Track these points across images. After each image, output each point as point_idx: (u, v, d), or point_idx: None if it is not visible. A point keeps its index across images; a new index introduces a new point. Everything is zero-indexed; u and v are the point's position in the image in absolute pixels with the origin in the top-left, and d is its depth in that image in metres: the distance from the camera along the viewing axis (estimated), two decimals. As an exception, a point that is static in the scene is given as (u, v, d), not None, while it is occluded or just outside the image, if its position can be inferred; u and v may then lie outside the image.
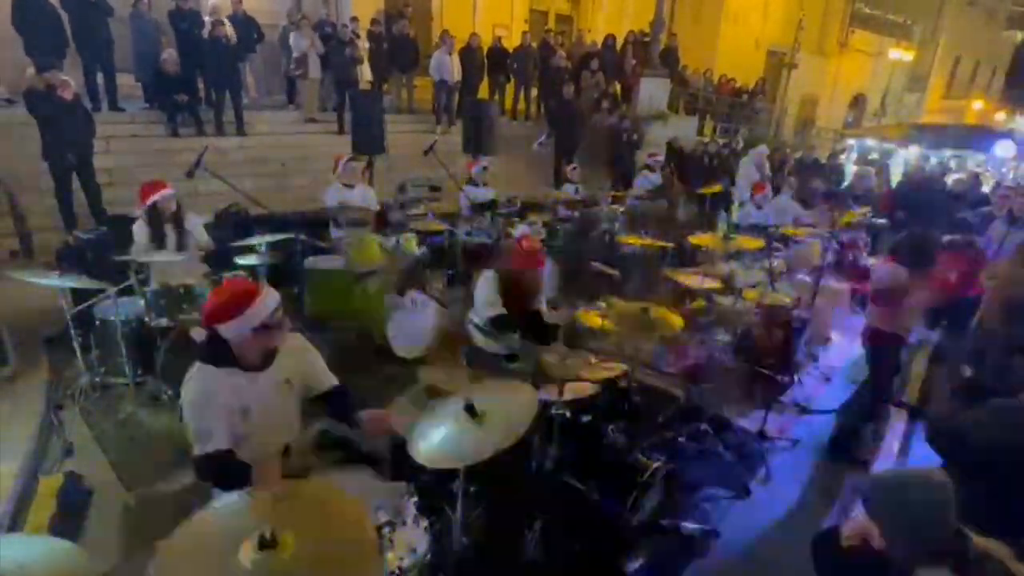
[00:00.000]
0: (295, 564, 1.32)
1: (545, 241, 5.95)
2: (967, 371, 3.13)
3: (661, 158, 8.37)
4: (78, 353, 3.58)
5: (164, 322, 3.46)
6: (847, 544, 1.64)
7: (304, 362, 2.21)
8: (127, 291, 3.59)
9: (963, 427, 2.08)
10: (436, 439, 1.91)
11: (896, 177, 10.33)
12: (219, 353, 1.98)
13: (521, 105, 10.96)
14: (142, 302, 3.50)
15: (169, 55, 7.06)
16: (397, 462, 2.27)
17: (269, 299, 1.98)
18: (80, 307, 3.56)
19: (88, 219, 5.62)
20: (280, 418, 2.12)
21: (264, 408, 2.03)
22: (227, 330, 1.94)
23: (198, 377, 1.96)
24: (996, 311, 3.22)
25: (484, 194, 5.84)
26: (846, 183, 9.50)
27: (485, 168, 6.01)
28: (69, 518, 2.66)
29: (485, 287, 3.18)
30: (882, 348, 3.53)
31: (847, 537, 1.64)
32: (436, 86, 9.52)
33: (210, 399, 1.92)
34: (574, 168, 7.19)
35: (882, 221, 6.58)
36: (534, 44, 10.65)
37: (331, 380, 2.27)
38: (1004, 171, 10.99)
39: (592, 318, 3.30)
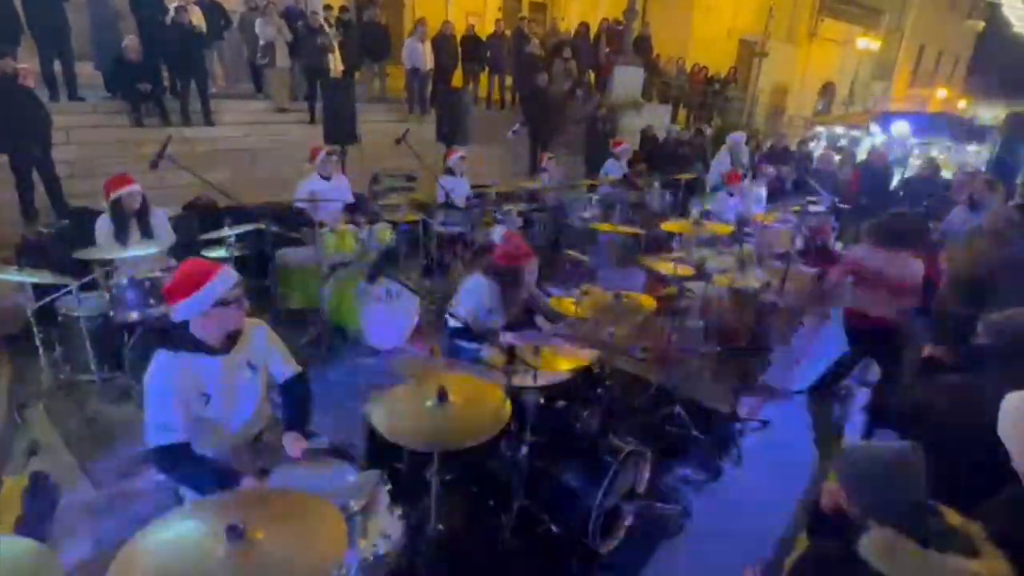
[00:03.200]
0: (264, 556, 1.33)
1: (520, 230, 5.97)
2: (928, 350, 3.23)
3: (627, 146, 8.37)
4: (41, 350, 3.49)
5: (130, 316, 3.39)
6: (826, 509, 1.69)
7: (267, 347, 2.22)
8: (90, 286, 3.50)
9: (918, 404, 2.16)
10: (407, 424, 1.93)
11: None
12: (179, 337, 1.98)
13: (495, 93, 10.90)
14: (107, 296, 3.42)
15: (130, 42, 6.81)
16: (371, 451, 2.28)
17: (227, 275, 1.99)
18: (42, 303, 3.46)
19: (48, 212, 5.44)
20: (243, 403, 2.12)
21: (226, 393, 2.04)
22: (186, 307, 1.95)
23: (159, 363, 1.96)
24: (953, 292, 3.34)
25: (459, 185, 5.81)
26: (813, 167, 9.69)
27: (462, 158, 5.98)
28: (36, 518, 2.60)
29: (481, 294, 3.05)
30: (859, 330, 3.68)
31: (824, 504, 1.71)
32: (408, 74, 9.40)
33: (171, 386, 1.92)
34: (551, 158, 7.19)
35: (846, 206, 6.75)
36: (508, 32, 10.58)
37: (293, 368, 2.30)
38: (966, 156, 11.32)
39: (566, 305, 3.33)
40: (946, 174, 8.01)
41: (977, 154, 11.25)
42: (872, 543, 1.47)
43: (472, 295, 3.06)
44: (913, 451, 1.56)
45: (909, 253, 3.52)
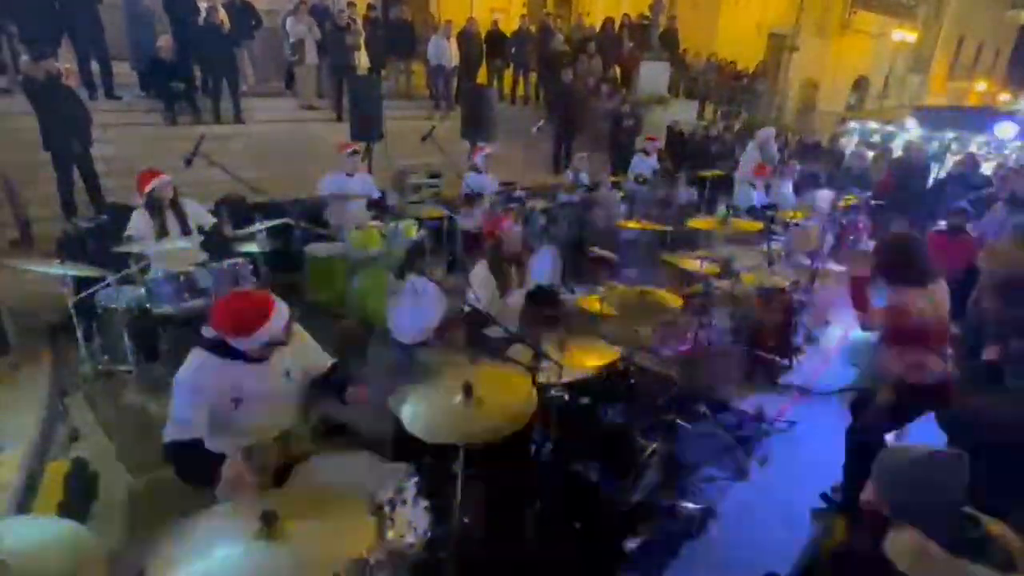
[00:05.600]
0: (296, 546, 1.36)
1: (545, 227, 5.97)
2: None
3: (659, 142, 8.33)
4: (81, 341, 3.61)
5: (166, 309, 3.48)
6: (864, 507, 1.65)
7: (301, 350, 2.23)
8: (128, 279, 3.61)
9: (976, 410, 2.07)
10: (431, 413, 1.96)
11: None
12: (219, 344, 2.00)
13: (520, 90, 10.88)
14: (143, 290, 3.52)
15: (164, 42, 7.00)
16: (398, 444, 2.31)
17: (280, 319, 1.99)
18: (81, 295, 3.57)
19: (87, 207, 5.62)
20: (274, 409, 2.13)
21: (258, 399, 2.06)
22: (235, 343, 1.97)
23: (195, 362, 1.99)
24: (992, 292, 3.23)
25: (485, 182, 5.82)
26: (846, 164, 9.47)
27: (488, 155, 5.99)
28: (77, 503, 2.70)
29: (486, 278, 3.18)
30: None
31: (863, 502, 1.67)
32: (433, 71, 9.45)
33: (202, 385, 1.95)
34: (582, 157, 7.17)
35: (880, 203, 6.58)
36: (532, 28, 10.54)
37: (326, 360, 2.32)
38: (1006, 152, 10.90)
39: (591, 302, 3.32)
40: (985, 170, 7.73)
41: (1021, 149, 10.81)
42: (897, 542, 1.44)
43: (480, 283, 3.15)
44: (957, 458, 1.49)
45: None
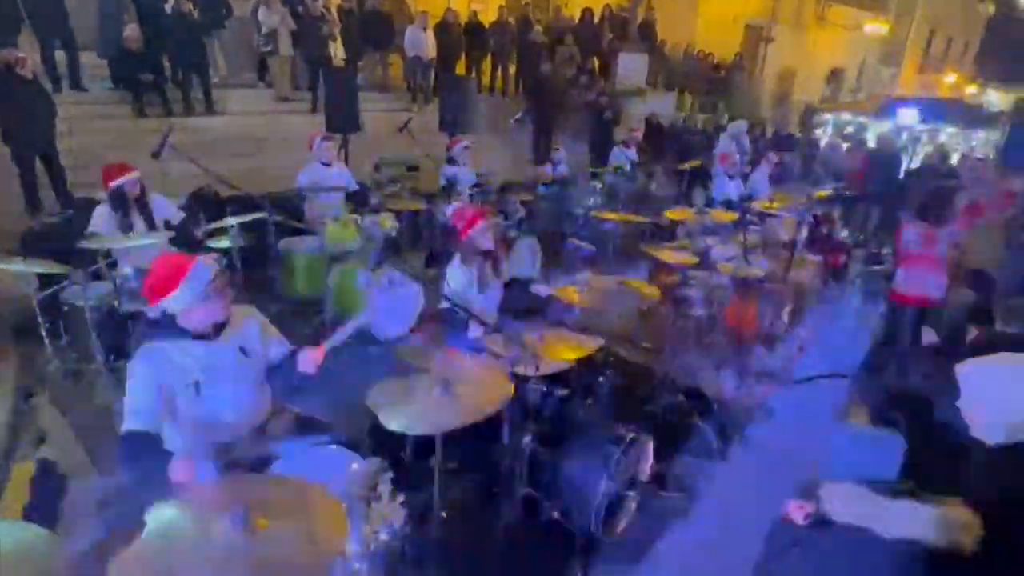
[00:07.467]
0: (267, 543, 1.34)
1: (524, 219, 5.96)
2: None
3: (639, 134, 8.36)
4: (47, 340, 3.51)
5: (134, 306, 3.40)
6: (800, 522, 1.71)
7: (256, 330, 2.21)
8: (95, 276, 3.51)
9: (923, 393, 2.15)
10: (409, 408, 1.94)
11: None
12: (167, 326, 1.97)
13: (499, 81, 10.81)
14: (111, 286, 3.43)
15: (131, 31, 6.79)
16: (373, 440, 2.29)
17: (204, 268, 1.96)
18: (46, 292, 3.47)
19: (53, 203, 5.45)
20: (235, 391, 2.08)
21: (216, 380, 2.02)
22: (169, 303, 1.94)
23: (143, 353, 1.95)
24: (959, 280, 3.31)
25: (463, 174, 5.78)
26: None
27: (466, 147, 5.94)
28: (44, 505, 2.63)
29: (460, 274, 3.12)
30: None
31: (794, 516, 1.73)
32: (410, 63, 9.34)
33: (152, 375, 1.91)
34: (557, 150, 7.17)
35: (851, 193, 6.71)
36: (511, 19, 10.48)
37: (285, 345, 2.30)
38: (973, 144, 11.18)
39: (570, 294, 3.33)
40: (954, 161, 7.92)
41: (986, 141, 11.09)
42: (827, 490, 1.57)
43: (454, 277, 3.10)
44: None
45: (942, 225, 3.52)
